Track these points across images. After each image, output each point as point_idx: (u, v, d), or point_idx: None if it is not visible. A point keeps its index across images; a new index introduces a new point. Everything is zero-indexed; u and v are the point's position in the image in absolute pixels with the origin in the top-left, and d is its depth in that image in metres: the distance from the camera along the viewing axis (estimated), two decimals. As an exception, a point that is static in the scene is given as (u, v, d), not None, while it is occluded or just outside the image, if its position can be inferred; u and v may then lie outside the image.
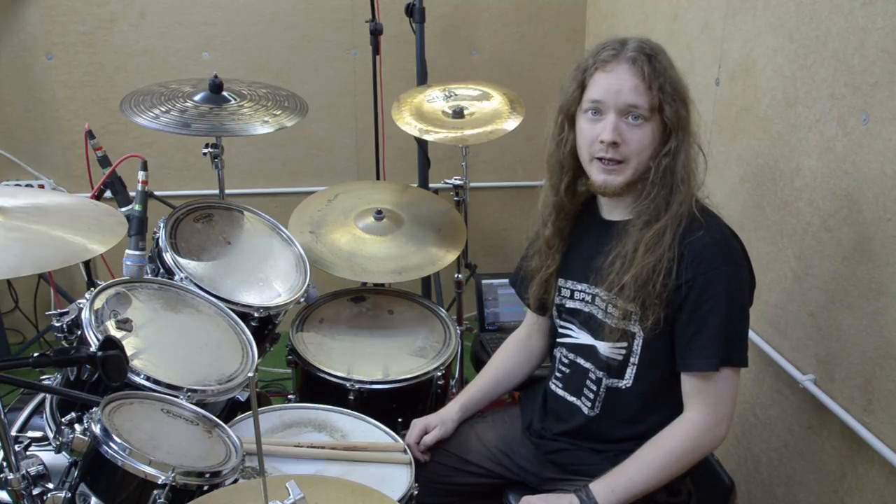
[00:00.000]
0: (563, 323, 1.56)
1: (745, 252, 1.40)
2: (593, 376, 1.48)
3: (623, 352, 1.43)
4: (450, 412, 1.65)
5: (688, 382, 1.38)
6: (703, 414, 1.35)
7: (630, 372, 1.43)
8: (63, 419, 1.26)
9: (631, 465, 1.37)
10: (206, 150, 2.10)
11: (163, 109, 1.94)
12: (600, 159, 1.37)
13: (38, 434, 1.42)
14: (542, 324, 1.68)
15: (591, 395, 1.48)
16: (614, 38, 1.39)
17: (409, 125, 2.26)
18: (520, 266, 1.68)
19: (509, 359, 1.73)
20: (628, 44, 1.35)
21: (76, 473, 1.23)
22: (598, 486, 1.36)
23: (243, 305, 1.71)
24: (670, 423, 1.38)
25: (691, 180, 1.35)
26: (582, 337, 1.51)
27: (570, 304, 1.53)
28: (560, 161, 1.47)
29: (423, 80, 2.66)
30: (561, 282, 1.54)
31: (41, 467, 1.25)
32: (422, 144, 2.69)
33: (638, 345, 1.41)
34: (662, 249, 1.33)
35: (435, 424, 1.62)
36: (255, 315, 1.73)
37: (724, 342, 1.33)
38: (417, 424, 1.63)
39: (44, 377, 1.58)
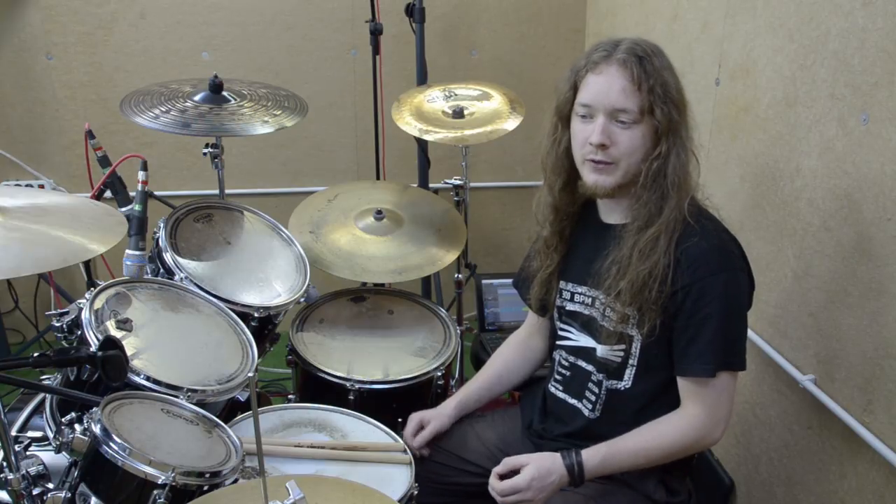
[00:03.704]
0: (563, 325, 1.56)
1: (744, 256, 1.40)
2: (595, 379, 1.48)
3: (621, 354, 1.43)
4: (446, 408, 1.65)
5: (685, 386, 1.38)
6: (701, 415, 1.36)
7: (629, 374, 1.43)
8: (63, 419, 1.26)
9: (627, 444, 1.39)
10: (206, 150, 2.10)
11: (163, 109, 1.94)
12: (591, 161, 1.37)
13: (38, 434, 1.42)
14: (542, 325, 1.68)
15: (593, 398, 1.48)
16: (610, 38, 1.38)
17: (409, 125, 2.26)
18: (523, 266, 1.68)
19: (509, 358, 1.73)
20: (621, 45, 1.34)
21: (76, 473, 1.24)
22: (592, 461, 1.38)
23: (243, 305, 1.71)
24: (673, 413, 1.39)
25: (683, 185, 1.34)
26: (582, 339, 1.51)
27: (570, 307, 1.53)
28: (555, 162, 1.47)
29: (423, 80, 2.66)
30: (562, 284, 1.54)
31: (41, 467, 1.26)
32: (422, 144, 2.69)
33: (636, 347, 1.41)
34: (657, 256, 1.32)
35: (430, 419, 1.63)
36: (255, 315, 1.73)
37: (720, 348, 1.33)
38: (414, 419, 1.64)
39: (44, 377, 1.59)
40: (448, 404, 1.66)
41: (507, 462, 1.44)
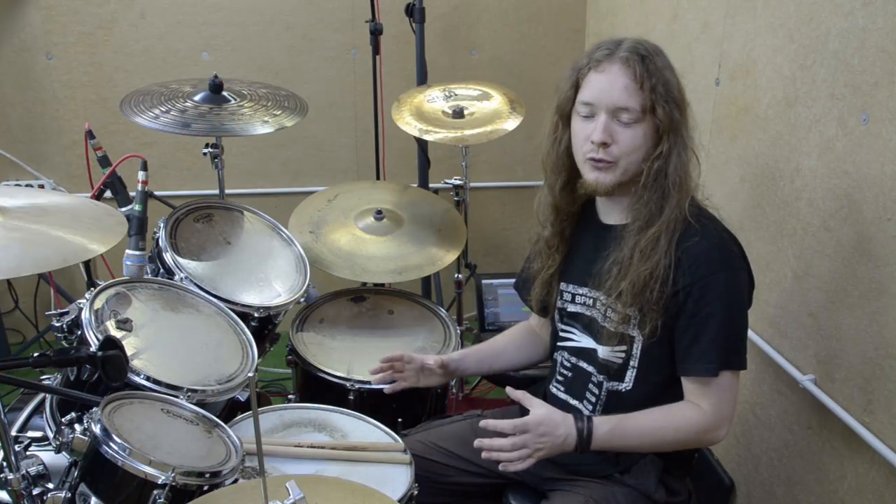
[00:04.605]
0: (564, 327, 1.56)
1: (744, 255, 1.40)
2: (595, 380, 1.48)
3: (622, 355, 1.43)
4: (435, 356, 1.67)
5: (688, 386, 1.38)
6: (707, 412, 1.36)
7: (630, 375, 1.43)
8: (63, 419, 1.26)
9: (638, 421, 1.37)
10: (206, 150, 2.10)
11: (163, 109, 1.94)
12: (592, 159, 1.37)
13: (38, 434, 1.42)
14: (544, 324, 1.68)
15: (593, 399, 1.48)
16: (611, 38, 1.38)
17: (409, 125, 2.26)
18: (523, 268, 1.68)
19: (516, 336, 1.73)
20: (623, 44, 1.35)
21: (76, 473, 1.24)
22: (601, 428, 1.35)
23: (243, 305, 1.72)
24: (685, 403, 1.37)
25: (684, 185, 1.34)
26: (584, 341, 1.51)
27: (571, 308, 1.53)
28: (555, 161, 1.47)
29: (423, 80, 2.66)
30: (563, 285, 1.54)
31: (41, 467, 1.26)
32: (422, 144, 2.69)
33: (637, 348, 1.41)
34: (658, 256, 1.32)
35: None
36: (255, 315, 1.73)
37: (722, 347, 1.33)
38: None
39: (44, 377, 1.59)
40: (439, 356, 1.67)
41: (518, 394, 1.37)
